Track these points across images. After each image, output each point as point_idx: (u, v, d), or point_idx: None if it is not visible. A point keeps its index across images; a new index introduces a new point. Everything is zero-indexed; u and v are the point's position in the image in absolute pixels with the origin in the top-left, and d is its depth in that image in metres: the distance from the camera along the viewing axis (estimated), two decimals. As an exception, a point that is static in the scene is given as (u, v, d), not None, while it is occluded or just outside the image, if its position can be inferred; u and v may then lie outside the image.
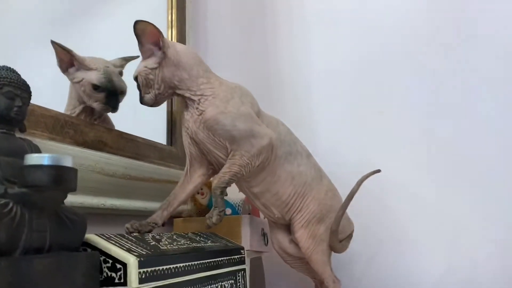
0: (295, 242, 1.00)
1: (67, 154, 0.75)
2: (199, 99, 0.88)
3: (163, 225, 0.90)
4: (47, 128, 0.75)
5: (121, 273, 0.61)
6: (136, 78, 0.88)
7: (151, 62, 0.87)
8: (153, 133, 1.09)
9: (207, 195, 1.11)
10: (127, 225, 0.82)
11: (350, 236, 1.01)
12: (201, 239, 0.87)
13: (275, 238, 1.04)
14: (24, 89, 0.62)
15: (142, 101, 0.89)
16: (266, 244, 1.11)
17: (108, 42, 1.06)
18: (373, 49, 1.29)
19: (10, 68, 0.63)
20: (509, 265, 1.12)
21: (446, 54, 1.24)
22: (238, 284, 0.89)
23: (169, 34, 1.19)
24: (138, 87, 0.89)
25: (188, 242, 0.81)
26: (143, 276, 0.62)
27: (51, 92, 0.92)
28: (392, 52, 1.28)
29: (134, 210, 0.96)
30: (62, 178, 0.54)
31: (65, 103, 0.93)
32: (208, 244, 0.85)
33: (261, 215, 1.11)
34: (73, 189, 0.57)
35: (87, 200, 0.82)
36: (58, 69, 0.91)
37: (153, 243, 0.72)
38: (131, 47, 0.95)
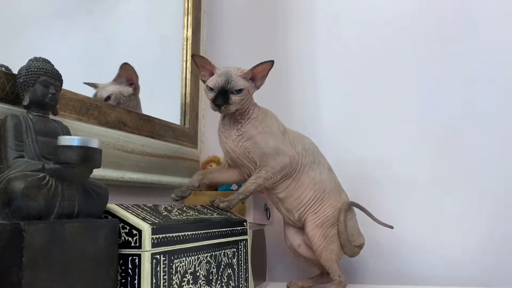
0: (305, 244, 1.11)
1: (92, 134, 0.86)
2: (244, 122, 1.03)
3: (198, 187, 1.07)
4: (75, 110, 0.85)
5: (136, 238, 0.72)
6: (240, 90, 1.00)
7: (251, 88, 1.03)
8: (168, 113, 1.19)
9: (216, 172, 1.21)
10: (172, 195, 1.01)
11: (360, 247, 1.11)
12: (208, 211, 0.98)
13: (290, 237, 1.15)
14: (57, 78, 0.72)
15: (226, 106, 0.99)
16: (268, 218, 1.22)
17: (127, 24, 1.14)
18: (377, 39, 1.34)
19: (45, 59, 0.72)
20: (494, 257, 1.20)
21: (448, 46, 1.29)
22: (240, 252, 0.99)
23: (185, 21, 1.26)
24: (224, 92, 0.99)
25: (196, 213, 0.92)
26: (156, 241, 0.73)
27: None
28: (395, 42, 1.33)
29: (149, 183, 1.07)
30: (89, 157, 0.64)
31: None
32: (214, 216, 0.96)
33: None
34: (97, 166, 0.67)
35: (108, 173, 0.92)
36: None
37: (165, 213, 0.83)
38: (149, 29, 1.04)
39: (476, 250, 1.22)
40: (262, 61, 1.02)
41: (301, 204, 1.07)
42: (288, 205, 1.09)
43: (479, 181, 1.24)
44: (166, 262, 0.75)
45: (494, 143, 1.23)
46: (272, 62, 1.01)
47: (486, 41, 1.26)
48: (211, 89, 1.00)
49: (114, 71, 1.06)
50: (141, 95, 1.11)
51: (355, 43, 1.36)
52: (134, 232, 0.72)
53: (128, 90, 1.07)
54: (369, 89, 1.33)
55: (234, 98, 0.99)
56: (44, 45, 0.88)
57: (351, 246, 1.08)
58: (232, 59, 1.44)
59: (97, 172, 0.88)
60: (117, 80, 1.06)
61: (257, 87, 1.05)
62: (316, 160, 1.09)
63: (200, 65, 1.04)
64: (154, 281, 0.71)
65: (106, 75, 1.06)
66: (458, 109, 1.27)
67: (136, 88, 1.09)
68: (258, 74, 1.03)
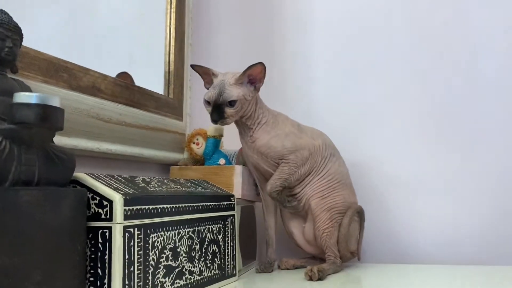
0: (299, 232, 1.10)
1: (62, 99, 0.78)
2: (255, 128, 1.01)
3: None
4: (40, 71, 0.77)
5: (107, 210, 0.65)
6: (233, 102, 0.95)
7: (248, 93, 0.97)
8: (151, 82, 1.11)
9: (202, 145, 1.14)
10: (256, 267, 1.07)
11: (352, 254, 1.07)
12: (192, 185, 0.91)
13: (285, 220, 1.13)
14: (15, 31, 0.64)
15: (222, 121, 0.96)
16: (258, 195, 1.15)
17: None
18: (372, 21, 1.28)
19: (1, 10, 0.64)
20: (490, 230, 1.16)
21: (443, 27, 1.23)
22: (226, 228, 0.93)
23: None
24: (219, 105, 0.95)
25: (178, 186, 0.85)
26: (129, 213, 0.66)
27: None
28: (390, 22, 1.26)
29: (129, 155, 0.99)
30: (48, 116, 0.57)
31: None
32: (198, 190, 0.89)
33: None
34: (59, 128, 0.59)
35: (81, 143, 0.84)
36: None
37: (142, 184, 0.75)
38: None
39: (471, 230, 1.17)
40: (253, 63, 0.95)
41: (312, 190, 1.04)
42: (300, 192, 1.06)
43: (477, 163, 1.18)
44: (141, 236, 0.68)
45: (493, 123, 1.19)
46: (262, 63, 0.95)
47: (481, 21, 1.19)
48: (208, 102, 0.97)
49: (95, 35, 0.98)
50: (118, 61, 1.03)
51: (352, 22, 1.29)
52: (105, 203, 0.65)
53: None
54: (363, 70, 1.27)
55: (229, 111, 0.96)
56: (24, 12, 0.80)
57: (346, 246, 1.03)
58: (219, 27, 1.36)
59: (69, 141, 0.82)
60: None
61: (257, 90, 1.00)
62: (336, 154, 1.09)
63: (202, 73, 1.00)
64: (127, 256, 0.65)
65: (85, 40, 0.97)
66: (453, 80, 1.21)
67: None
68: (256, 76, 0.98)
